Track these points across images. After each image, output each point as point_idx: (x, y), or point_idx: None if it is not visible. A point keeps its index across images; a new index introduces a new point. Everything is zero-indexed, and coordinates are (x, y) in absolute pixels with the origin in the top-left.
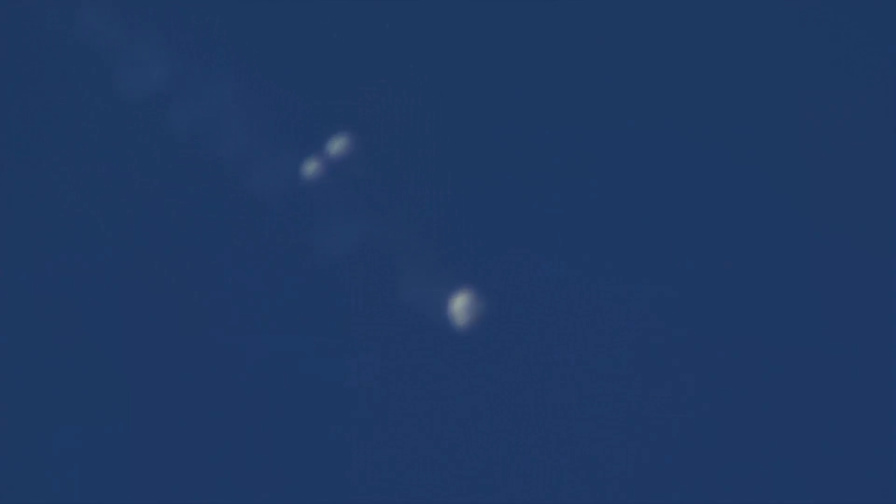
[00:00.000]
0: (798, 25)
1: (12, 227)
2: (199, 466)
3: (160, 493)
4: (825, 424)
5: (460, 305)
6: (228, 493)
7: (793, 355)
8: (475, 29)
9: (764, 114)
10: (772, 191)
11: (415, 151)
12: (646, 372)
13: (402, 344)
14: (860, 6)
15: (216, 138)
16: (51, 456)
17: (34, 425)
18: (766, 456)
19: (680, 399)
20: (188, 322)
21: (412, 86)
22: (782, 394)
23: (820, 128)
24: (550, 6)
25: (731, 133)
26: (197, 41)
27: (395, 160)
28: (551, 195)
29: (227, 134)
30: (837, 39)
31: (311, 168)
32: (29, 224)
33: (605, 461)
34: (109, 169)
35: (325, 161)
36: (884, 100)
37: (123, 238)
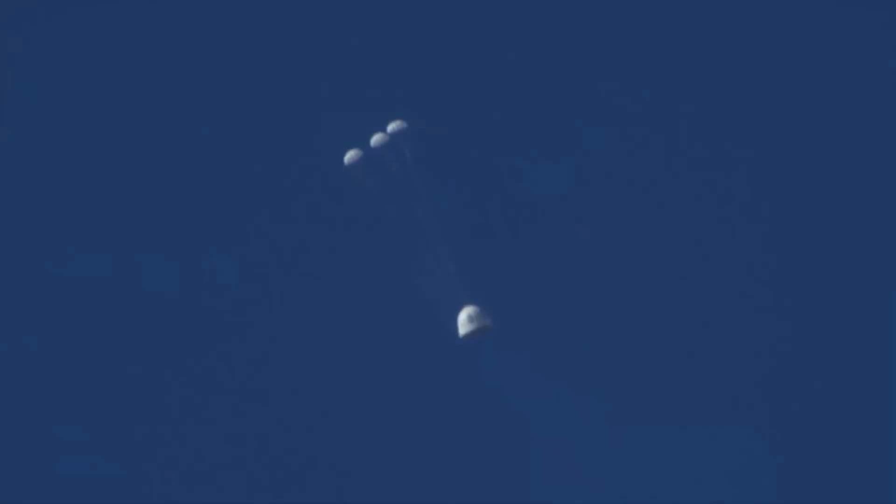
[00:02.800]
0: (799, 28)
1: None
2: (198, 465)
3: (160, 491)
4: (825, 423)
5: (465, 314)
6: (229, 491)
7: (792, 355)
8: (494, 33)
9: (764, 115)
10: (773, 191)
11: (423, 159)
12: (648, 376)
13: (405, 348)
14: (860, 6)
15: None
16: (51, 455)
17: (34, 425)
18: (766, 455)
19: (681, 400)
20: (190, 319)
21: (410, 102)
22: (784, 393)
23: (821, 128)
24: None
25: (732, 134)
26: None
27: (407, 166)
28: (557, 205)
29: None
30: (837, 40)
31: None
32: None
33: (605, 463)
34: (120, 167)
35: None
36: (884, 100)
37: (130, 236)
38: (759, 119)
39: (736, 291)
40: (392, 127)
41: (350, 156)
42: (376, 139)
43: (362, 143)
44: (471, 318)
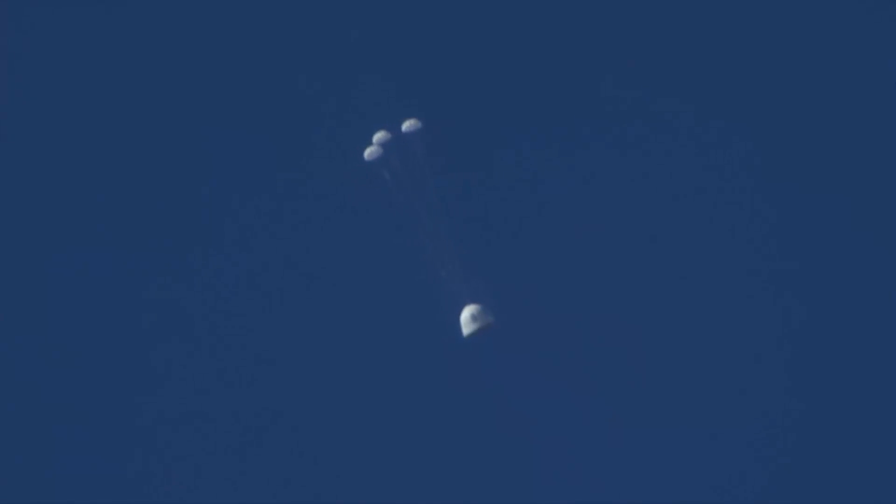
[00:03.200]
0: (799, 28)
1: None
2: (199, 465)
3: (161, 493)
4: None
5: (469, 313)
6: (229, 491)
7: (793, 355)
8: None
9: (765, 115)
10: (774, 191)
11: (433, 159)
12: (650, 375)
13: (408, 348)
14: (861, 7)
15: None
16: (51, 456)
17: (34, 425)
18: (766, 454)
19: (682, 399)
20: (190, 318)
21: (412, 101)
22: (785, 392)
23: (822, 128)
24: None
25: (734, 134)
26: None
27: (417, 166)
28: (560, 207)
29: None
30: (838, 41)
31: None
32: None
33: (607, 463)
34: (126, 161)
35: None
36: (884, 100)
37: (132, 236)
38: (760, 118)
39: (737, 291)
40: (405, 126)
41: (370, 151)
42: (380, 137)
43: (370, 141)
44: (474, 318)
